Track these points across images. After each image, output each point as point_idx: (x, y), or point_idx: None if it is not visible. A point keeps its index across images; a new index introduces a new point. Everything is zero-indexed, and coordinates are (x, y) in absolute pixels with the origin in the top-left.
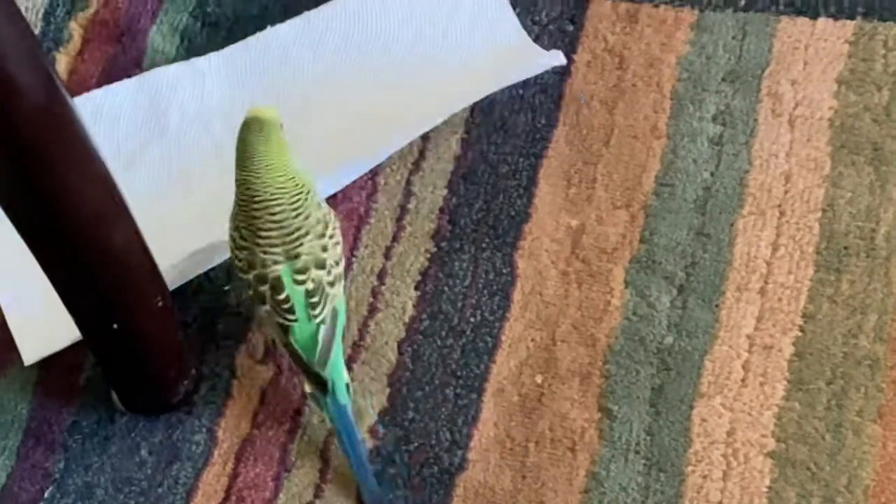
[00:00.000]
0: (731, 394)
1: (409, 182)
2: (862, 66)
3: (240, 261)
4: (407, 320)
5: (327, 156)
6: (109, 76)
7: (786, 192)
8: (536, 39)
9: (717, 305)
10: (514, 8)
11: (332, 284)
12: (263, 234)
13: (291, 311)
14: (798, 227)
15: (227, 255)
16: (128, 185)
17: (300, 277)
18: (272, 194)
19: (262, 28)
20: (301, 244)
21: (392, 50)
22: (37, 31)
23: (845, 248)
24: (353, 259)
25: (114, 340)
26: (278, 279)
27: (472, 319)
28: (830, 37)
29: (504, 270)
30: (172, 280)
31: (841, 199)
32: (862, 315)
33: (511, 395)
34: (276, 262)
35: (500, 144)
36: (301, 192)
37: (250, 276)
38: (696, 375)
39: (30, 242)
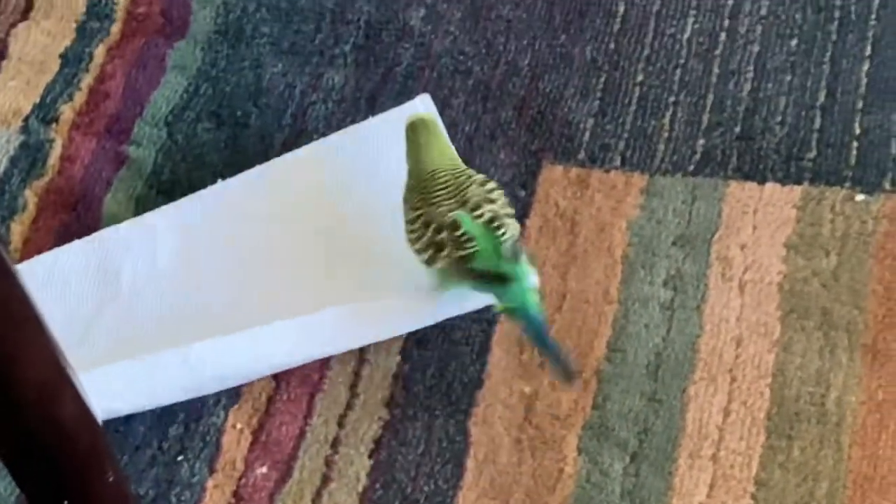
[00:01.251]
0: None
1: (362, 348)
2: (810, 230)
3: (414, 229)
4: (360, 490)
5: (279, 309)
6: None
7: (737, 357)
8: None
9: (669, 473)
10: None
11: (509, 216)
12: (435, 193)
13: (471, 240)
14: (749, 392)
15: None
16: (85, 352)
17: (477, 212)
18: (439, 166)
19: None
20: (467, 191)
21: (347, 204)
22: None
23: (796, 413)
24: (307, 428)
25: None
26: (454, 222)
27: (425, 488)
28: (778, 201)
29: (457, 438)
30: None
31: (791, 364)
32: (814, 482)
33: None
34: (450, 210)
35: None
36: (459, 167)
37: (428, 232)
38: None
39: None
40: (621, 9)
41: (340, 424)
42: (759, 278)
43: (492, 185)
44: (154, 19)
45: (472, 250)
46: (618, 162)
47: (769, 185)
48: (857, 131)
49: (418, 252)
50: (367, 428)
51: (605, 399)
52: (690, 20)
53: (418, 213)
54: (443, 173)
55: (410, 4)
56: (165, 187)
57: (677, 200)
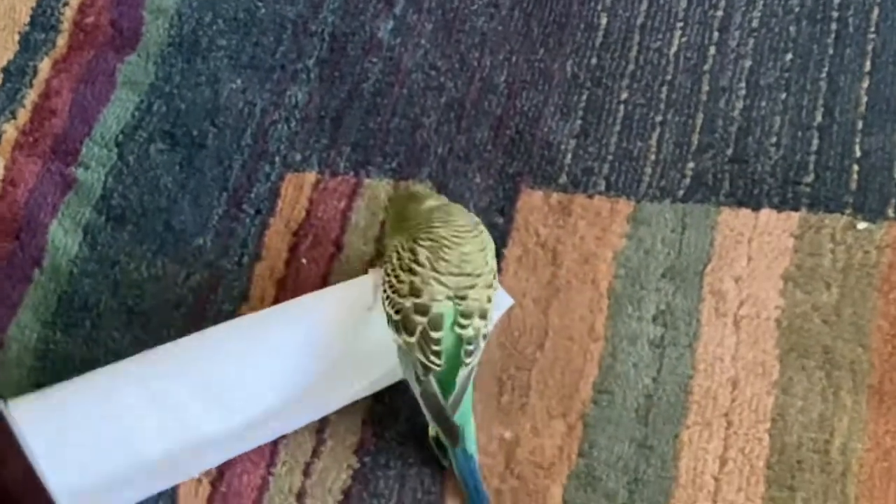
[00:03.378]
0: None
1: None
2: (809, 261)
3: (400, 282)
4: None
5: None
6: (8, 275)
7: (733, 401)
8: None
9: None
10: None
11: (485, 337)
12: (444, 262)
13: (439, 354)
14: (747, 438)
15: None
16: None
17: (464, 322)
18: (462, 227)
19: (170, 221)
20: (473, 287)
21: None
22: None
23: (798, 462)
24: (270, 478)
25: None
26: (439, 317)
27: None
28: (774, 230)
29: (433, 489)
30: None
31: (791, 407)
32: None
33: None
34: (444, 297)
35: None
36: (483, 236)
37: (407, 303)
38: None
39: None
40: (603, 21)
41: (306, 473)
42: (756, 313)
43: (496, 279)
44: (103, 31)
45: (433, 366)
46: (602, 187)
47: (764, 212)
48: (858, 154)
49: (390, 304)
50: (336, 477)
51: (591, 446)
52: (677, 33)
53: (413, 269)
54: (468, 235)
55: (378, 15)
56: (116, 213)
57: (666, 229)
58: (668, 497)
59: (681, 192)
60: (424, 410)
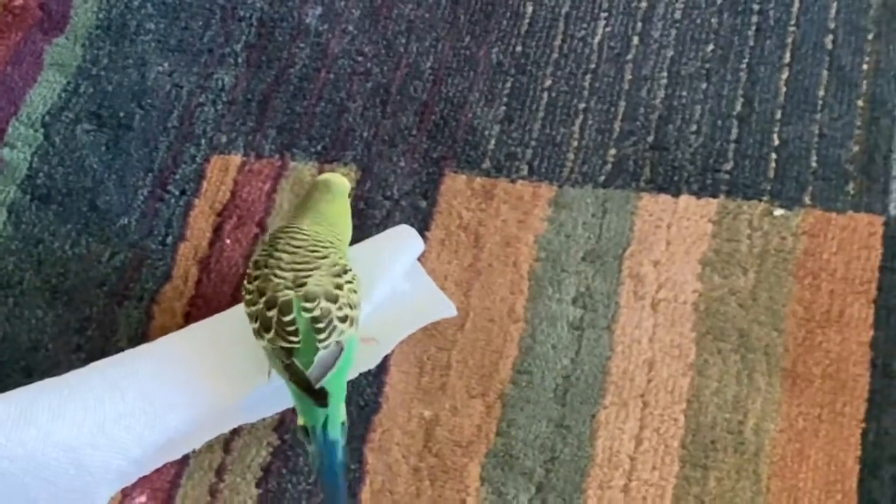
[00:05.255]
0: None
1: None
2: (727, 246)
3: (250, 293)
4: None
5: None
6: None
7: (649, 381)
8: (388, 216)
9: None
10: (365, 183)
11: (342, 320)
12: (277, 255)
13: (295, 333)
14: (662, 419)
15: None
16: None
17: (308, 305)
18: (303, 229)
19: (95, 201)
20: (310, 276)
21: None
22: None
23: (712, 442)
24: (190, 454)
25: None
26: (288, 303)
27: None
28: (693, 215)
29: (352, 466)
30: None
31: (707, 388)
32: None
33: None
34: (286, 288)
35: None
36: (331, 244)
37: (260, 305)
38: None
39: None
40: (529, 10)
41: (226, 450)
42: (673, 297)
43: (349, 277)
44: (32, 13)
45: (293, 346)
46: (525, 171)
47: (683, 198)
48: (776, 142)
49: (248, 315)
50: (255, 454)
51: (509, 425)
52: (601, 23)
53: (257, 276)
54: (303, 235)
55: (307, 1)
56: (41, 193)
57: (587, 213)
58: (583, 475)
59: (602, 178)
60: (292, 393)
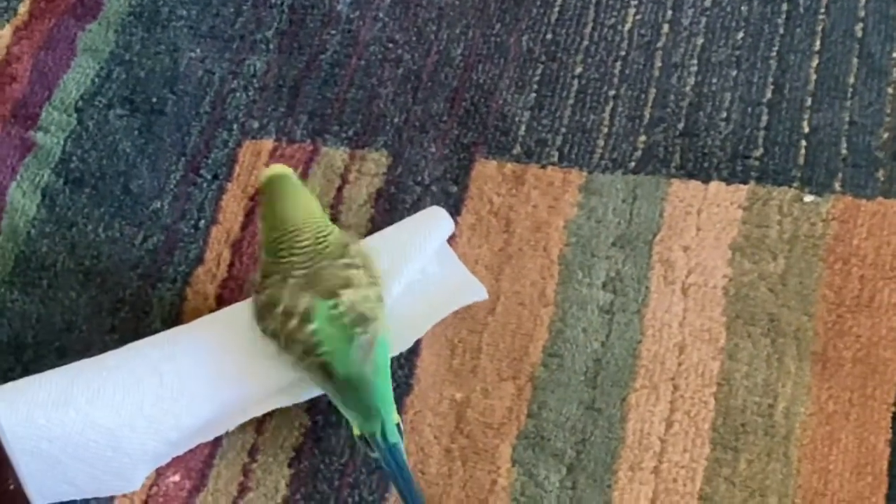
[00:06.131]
0: None
1: None
2: (756, 232)
3: (261, 300)
4: (280, 501)
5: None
6: None
7: (679, 365)
8: (418, 200)
9: (609, 486)
10: (396, 168)
11: (369, 301)
12: (285, 261)
13: (321, 343)
14: (693, 402)
15: None
16: None
17: (331, 302)
18: (298, 226)
19: (128, 185)
20: (323, 272)
21: None
22: None
23: (742, 425)
24: (223, 435)
25: None
26: (307, 310)
27: (349, 500)
28: (723, 202)
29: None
30: None
31: (737, 372)
32: (761, 497)
33: None
34: (302, 291)
35: None
36: (323, 228)
37: (278, 314)
38: None
39: None
40: None
41: (259, 430)
42: (703, 282)
43: (349, 258)
44: None
45: (325, 357)
46: (555, 158)
47: (713, 185)
48: (806, 129)
49: (265, 333)
50: (288, 434)
51: (540, 407)
52: (632, 10)
53: (268, 281)
54: (304, 230)
55: None
56: (74, 176)
57: (617, 199)
58: (614, 457)
59: (632, 164)
60: (341, 406)
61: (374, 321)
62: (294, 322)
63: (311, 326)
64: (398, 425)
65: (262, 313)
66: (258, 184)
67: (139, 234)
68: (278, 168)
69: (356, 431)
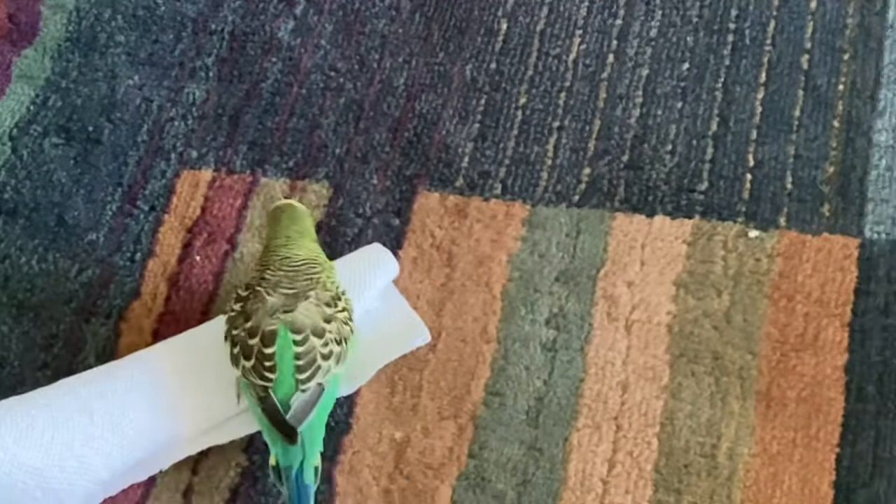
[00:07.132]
0: None
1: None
2: (701, 268)
3: (235, 313)
4: None
5: None
6: None
7: (622, 404)
8: (360, 233)
9: None
10: (337, 200)
11: (325, 357)
12: (268, 276)
13: (273, 369)
14: (636, 442)
15: None
16: None
17: (296, 338)
18: (293, 252)
19: (63, 216)
20: (301, 303)
21: None
22: None
23: (685, 465)
24: (158, 475)
25: None
26: (272, 334)
27: None
28: (668, 236)
29: (321, 487)
30: None
31: (680, 411)
32: None
33: None
34: (273, 314)
35: None
36: (319, 264)
37: (242, 332)
38: None
39: None
40: (504, 27)
41: (194, 470)
42: (647, 318)
43: (342, 305)
44: (0, 24)
45: (268, 383)
46: (498, 190)
47: (658, 219)
48: (751, 163)
49: (229, 338)
50: (224, 475)
51: (481, 447)
52: (576, 40)
53: (244, 297)
54: (296, 257)
55: (279, 15)
56: (8, 207)
57: (561, 233)
58: (556, 499)
59: (576, 197)
60: (264, 430)
61: (328, 373)
62: (256, 340)
63: (271, 349)
64: (317, 468)
65: (234, 320)
66: (270, 208)
67: (74, 266)
68: (296, 203)
69: (272, 461)
